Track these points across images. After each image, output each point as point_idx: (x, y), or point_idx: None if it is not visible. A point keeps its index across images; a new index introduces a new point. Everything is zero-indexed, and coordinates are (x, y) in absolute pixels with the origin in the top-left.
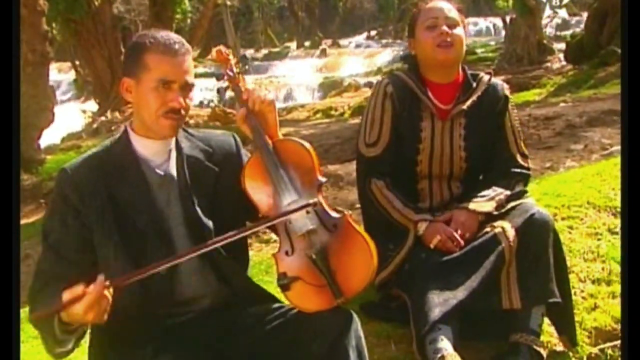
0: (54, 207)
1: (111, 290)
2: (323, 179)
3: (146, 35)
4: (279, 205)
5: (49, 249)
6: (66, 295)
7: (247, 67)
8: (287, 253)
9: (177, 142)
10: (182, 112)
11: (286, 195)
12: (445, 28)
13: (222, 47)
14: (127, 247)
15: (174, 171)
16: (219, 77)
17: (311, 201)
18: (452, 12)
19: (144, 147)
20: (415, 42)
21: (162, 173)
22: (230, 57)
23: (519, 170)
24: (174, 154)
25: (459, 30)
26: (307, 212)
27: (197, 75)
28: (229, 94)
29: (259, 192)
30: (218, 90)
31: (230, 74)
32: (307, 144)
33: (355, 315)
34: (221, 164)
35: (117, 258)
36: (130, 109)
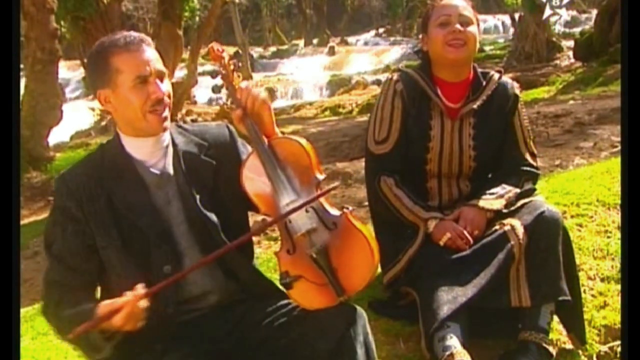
0: (54, 216)
1: (145, 300)
2: (321, 177)
3: (103, 42)
4: (278, 205)
5: (55, 260)
6: (103, 309)
7: (240, 64)
8: (288, 252)
9: (172, 138)
10: (166, 100)
11: (284, 195)
12: (457, 26)
13: (215, 44)
14: (129, 249)
15: (170, 169)
16: (212, 75)
17: (308, 199)
18: (466, 9)
19: (137, 147)
20: (427, 39)
21: (158, 172)
22: (224, 54)
23: (528, 169)
24: (170, 151)
25: (472, 29)
26: (307, 211)
27: (205, 74)
28: (224, 92)
29: (257, 192)
30: (213, 89)
31: (224, 71)
32: (304, 142)
33: (362, 311)
34: (218, 157)
35: (121, 261)
36: None
